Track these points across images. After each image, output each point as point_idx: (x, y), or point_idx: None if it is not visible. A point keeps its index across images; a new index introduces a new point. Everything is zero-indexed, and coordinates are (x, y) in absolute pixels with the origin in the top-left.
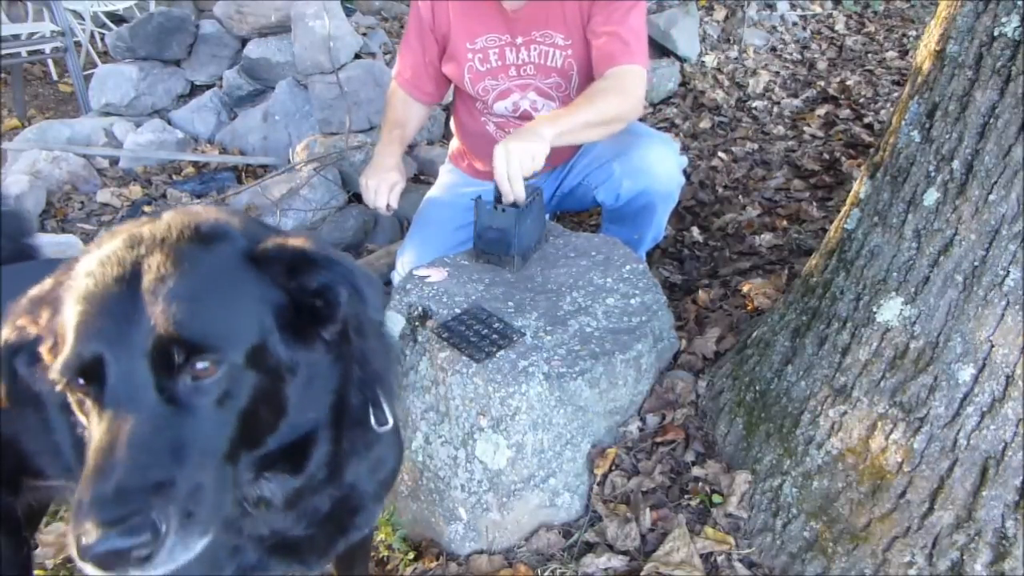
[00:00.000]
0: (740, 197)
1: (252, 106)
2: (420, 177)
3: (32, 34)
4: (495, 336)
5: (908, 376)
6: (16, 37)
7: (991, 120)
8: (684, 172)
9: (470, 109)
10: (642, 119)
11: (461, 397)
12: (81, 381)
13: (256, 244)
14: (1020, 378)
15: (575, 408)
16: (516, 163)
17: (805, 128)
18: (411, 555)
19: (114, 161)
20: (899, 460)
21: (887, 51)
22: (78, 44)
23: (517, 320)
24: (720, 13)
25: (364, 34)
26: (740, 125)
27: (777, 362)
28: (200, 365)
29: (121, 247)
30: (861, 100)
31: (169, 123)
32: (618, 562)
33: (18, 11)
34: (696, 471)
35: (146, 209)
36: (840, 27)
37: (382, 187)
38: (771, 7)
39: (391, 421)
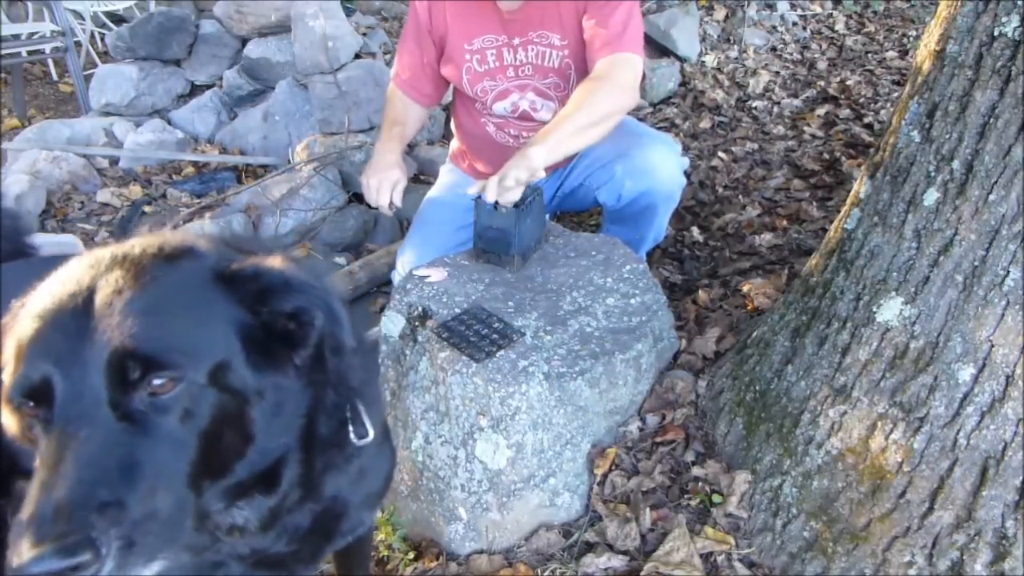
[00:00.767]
0: (740, 197)
1: (252, 106)
2: (420, 177)
3: (32, 34)
4: (495, 336)
5: (908, 376)
6: (16, 37)
7: (991, 120)
8: (684, 172)
9: (469, 110)
10: (642, 119)
11: (461, 397)
12: (31, 404)
13: (227, 264)
14: (1020, 378)
15: (575, 408)
16: (510, 194)
17: (805, 128)
18: (411, 555)
19: (114, 161)
20: (899, 460)
21: (887, 51)
22: (78, 44)
23: (517, 320)
24: (720, 13)
25: (364, 34)
26: (740, 125)
27: (777, 362)
28: (157, 381)
29: (81, 266)
30: (861, 100)
31: (169, 123)
32: (618, 562)
33: (18, 11)
34: (696, 471)
35: (146, 209)
36: (840, 27)
37: (384, 185)
38: (771, 7)
39: (371, 433)
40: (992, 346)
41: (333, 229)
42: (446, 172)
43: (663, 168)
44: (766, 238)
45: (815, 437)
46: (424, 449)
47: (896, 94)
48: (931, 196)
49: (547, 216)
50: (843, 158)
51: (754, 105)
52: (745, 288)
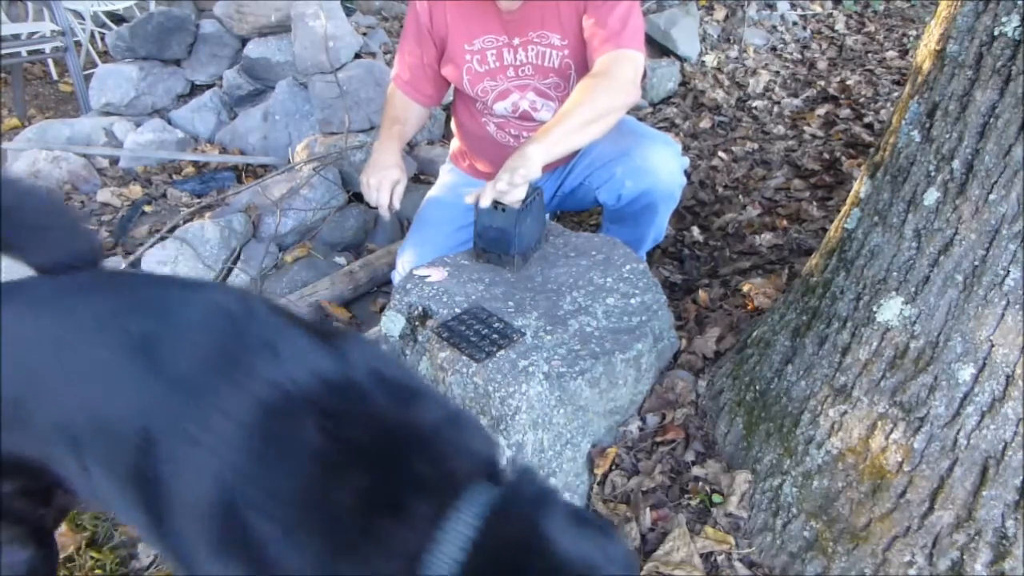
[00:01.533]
0: (740, 197)
1: (252, 106)
2: (420, 177)
3: (32, 34)
4: (495, 336)
5: (908, 376)
6: (16, 37)
7: (991, 120)
8: (684, 172)
9: (470, 110)
10: (642, 119)
11: (461, 397)
12: None
13: None
14: (1020, 378)
15: (575, 408)
16: (510, 194)
17: (805, 128)
18: None
19: (114, 161)
20: (899, 460)
21: (887, 51)
22: (78, 44)
23: (517, 320)
24: (720, 13)
25: (364, 34)
26: (740, 125)
27: (777, 362)
28: None
29: None
30: (861, 100)
31: (169, 123)
32: None
33: (18, 11)
34: (696, 471)
35: (146, 209)
36: (840, 27)
37: (384, 184)
38: (771, 7)
39: None
40: (992, 346)
41: (333, 229)
42: (446, 172)
43: (663, 168)
44: (766, 238)
45: (815, 437)
46: None
47: (896, 94)
48: (931, 196)
49: (547, 216)
50: (843, 158)
51: (754, 105)
52: (745, 288)
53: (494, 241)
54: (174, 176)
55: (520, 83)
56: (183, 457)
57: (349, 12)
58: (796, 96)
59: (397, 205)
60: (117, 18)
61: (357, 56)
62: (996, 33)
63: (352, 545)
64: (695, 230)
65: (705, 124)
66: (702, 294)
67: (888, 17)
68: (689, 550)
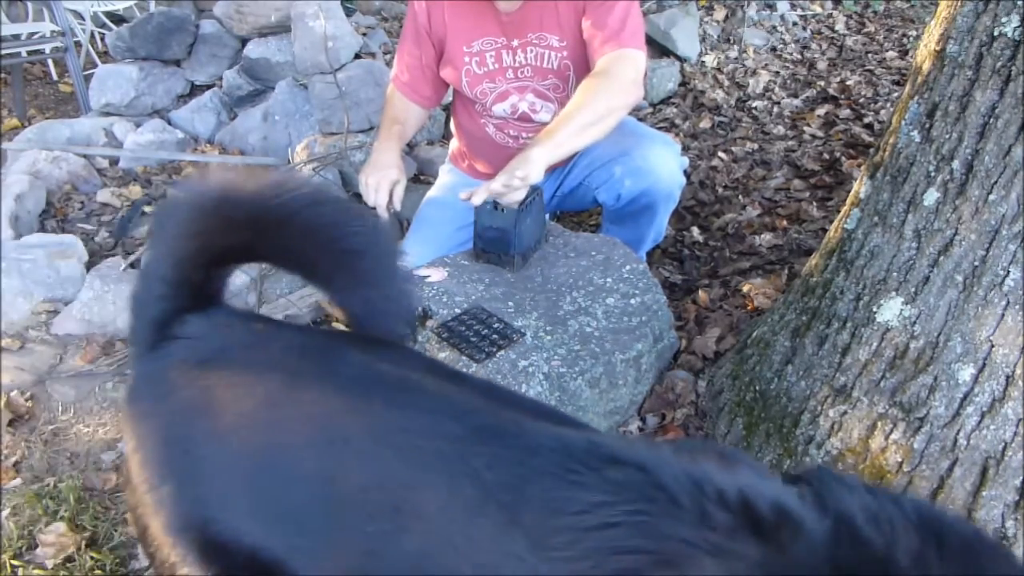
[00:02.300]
0: (740, 197)
1: (252, 106)
2: (420, 177)
3: (32, 34)
4: (495, 336)
5: (908, 376)
6: (16, 37)
7: (991, 120)
8: (684, 172)
9: (469, 111)
10: (642, 119)
11: None
12: None
13: None
14: (1020, 378)
15: (575, 408)
16: (510, 195)
17: (805, 128)
18: None
19: (114, 161)
20: (899, 460)
21: (887, 51)
22: (78, 44)
23: (517, 320)
24: (720, 13)
25: (364, 34)
26: (740, 125)
27: (777, 362)
28: None
29: None
30: (861, 100)
31: (169, 123)
32: None
33: (18, 11)
34: None
35: (146, 209)
36: (840, 27)
37: (382, 184)
38: (771, 7)
39: None
40: (992, 346)
41: None
42: (445, 172)
43: (663, 168)
44: (766, 238)
45: (815, 437)
46: None
47: (896, 94)
48: (931, 196)
49: (547, 216)
50: (843, 158)
51: (754, 105)
52: (745, 288)
53: (494, 241)
54: (174, 176)
55: (519, 85)
56: None
57: (349, 12)
58: (796, 96)
59: (397, 205)
60: (117, 18)
61: (357, 56)
62: (996, 33)
63: None
64: (695, 230)
65: (705, 124)
66: (702, 294)
67: (888, 17)
68: None
